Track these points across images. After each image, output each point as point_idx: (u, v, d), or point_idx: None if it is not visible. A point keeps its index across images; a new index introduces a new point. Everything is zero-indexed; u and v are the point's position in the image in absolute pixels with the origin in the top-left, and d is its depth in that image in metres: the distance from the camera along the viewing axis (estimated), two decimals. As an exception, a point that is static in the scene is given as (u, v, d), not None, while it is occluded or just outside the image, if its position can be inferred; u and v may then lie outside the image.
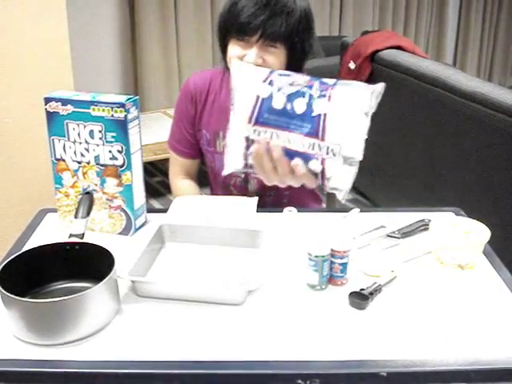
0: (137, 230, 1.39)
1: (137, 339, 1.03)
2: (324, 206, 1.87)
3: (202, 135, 1.64)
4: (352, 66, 3.00)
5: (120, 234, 1.38)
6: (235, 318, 1.09)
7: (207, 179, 1.75)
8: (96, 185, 1.35)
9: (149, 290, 1.14)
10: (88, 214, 1.27)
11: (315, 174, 1.25)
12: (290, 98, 1.23)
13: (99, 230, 1.39)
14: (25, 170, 2.08)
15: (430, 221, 1.38)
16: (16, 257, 1.11)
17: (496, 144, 2.19)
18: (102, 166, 1.33)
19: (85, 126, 1.30)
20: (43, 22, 2.00)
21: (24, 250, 1.17)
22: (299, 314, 1.10)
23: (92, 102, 1.28)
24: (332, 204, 1.99)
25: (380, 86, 1.22)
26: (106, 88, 3.74)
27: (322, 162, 1.22)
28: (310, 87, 1.23)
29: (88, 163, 1.33)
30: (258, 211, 1.43)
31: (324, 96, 1.22)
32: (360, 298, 1.12)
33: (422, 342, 1.03)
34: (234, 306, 1.12)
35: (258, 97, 1.25)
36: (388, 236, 1.36)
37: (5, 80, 1.97)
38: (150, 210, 1.46)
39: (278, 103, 1.23)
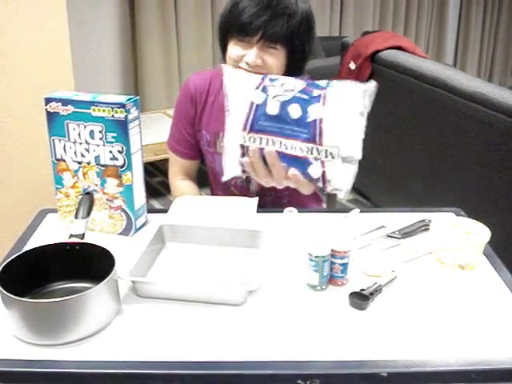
0: (137, 230, 1.39)
1: (137, 339, 1.03)
2: (324, 206, 1.87)
3: (202, 136, 1.64)
4: (352, 66, 3.00)
5: (120, 234, 1.38)
6: (235, 319, 1.09)
7: (207, 179, 1.75)
8: (96, 185, 1.35)
9: (149, 290, 1.14)
10: (88, 214, 1.27)
11: (313, 180, 1.25)
12: (284, 103, 1.23)
13: (99, 231, 1.39)
14: (25, 170, 2.08)
15: (430, 221, 1.38)
16: (16, 257, 1.11)
17: (496, 144, 2.19)
18: (102, 166, 1.33)
19: (85, 127, 1.30)
20: (44, 23, 2.00)
21: (24, 250, 1.17)
22: (299, 315, 1.10)
23: (92, 103, 1.28)
24: (332, 204, 1.99)
25: (372, 85, 1.22)
26: (107, 88, 3.74)
27: (323, 165, 1.22)
28: (303, 91, 1.23)
29: (88, 163, 1.33)
30: (258, 211, 1.43)
31: (318, 100, 1.22)
32: (360, 299, 1.12)
33: (422, 343, 1.03)
34: (235, 307, 1.12)
35: (252, 103, 1.25)
36: (388, 236, 1.36)
37: (5, 80, 1.97)
38: (151, 211, 1.46)
39: (273, 109, 1.23)
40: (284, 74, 1.43)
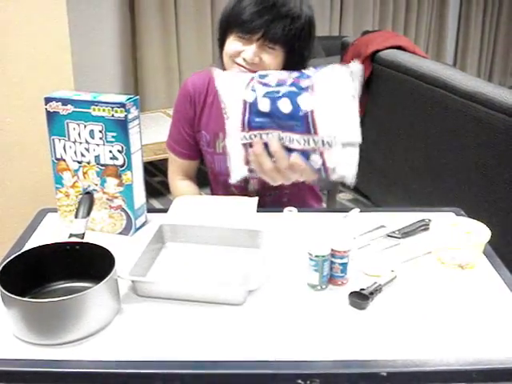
0: (137, 229, 1.39)
1: (137, 339, 1.03)
2: (324, 205, 1.87)
3: (202, 136, 1.64)
4: (352, 66, 3.00)
5: (120, 233, 1.38)
6: (235, 318, 1.09)
7: (207, 179, 1.75)
8: (96, 185, 1.35)
9: (149, 289, 1.14)
10: (88, 213, 1.27)
11: (316, 170, 1.25)
12: (274, 100, 1.23)
13: (99, 230, 1.39)
14: (25, 170, 2.08)
15: (430, 221, 1.38)
16: (16, 257, 1.11)
17: (496, 144, 2.19)
18: (102, 165, 1.33)
19: (85, 126, 1.30)
20: (44, 23, 2.00)
21: (24, 249, 1.17)
22: (299, 314, 1.10)
23: (92, 102, 1.28)
24: (332, 204, 1.99)
25: (357, 66, 1.22)
26: (107, 88, 3.74)
27: (321, 155, 1.23)
28: (293, 84, 1.24)
29: (88, 163, 1.33)
30: (258, 211, 1.43)
31: (306, 89, 1.22)
32: (360, 298, 1.12)
33: (422, 342, 1.03)
34: (235, 306, 1.11)
35: (244, 102, 1.26)
36: (388, 236, 1.36)
37: (6, 80, 1.98)
38: (151, 210, 1.46)
39: (264, 106, 1.24)
40: None
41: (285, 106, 1.22)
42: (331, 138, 1.21)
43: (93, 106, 1.28)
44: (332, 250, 1.16)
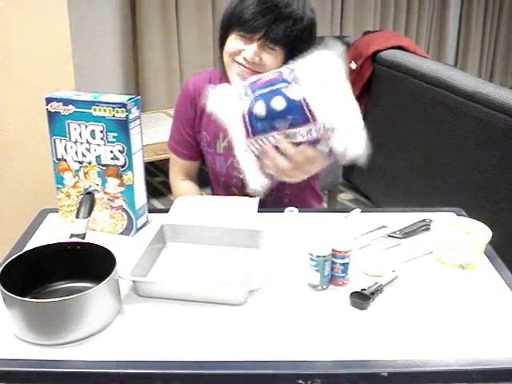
0: (138, 230, 1.39)
1: (138, 339, 1.03)
2: (325, 205, 1.87)
3: (202, 137, 1.64)
4: (353, 66, 3.00)
5: (121, 234, 1.38)
6: (236, 318, 1.09)
7: (208, 179, 1.75)
8: (97, 185, 1.35)
9: (150, 290, 1.14)
10: (89, 214, 1.27)
11: (328, 155, 1.25)
12: (268, 99, 1.23)
13: (100, 230, 1.39)
14: (26, 170, 2.09)
15: (431, 221, 1.38)
16: (17, 257, 1.11)
17: (497, 144, 2.19)
18: (103, 166, 1.33)
19: (86, 126, 1.30)
20: (45, 23, 2.00)
21: (25, 249, 1.17)
22: (300, 314, 1.10)
23: (93, 102, 1.28)
24: (333, 204, 1.99)
25: (337, 44, 1.22)
26: (108, 88, 3.74)
27: (327, 142, 1.22)
28: (280, 81, 1.23)
29: (89, 163, 1.34)
30: (258, 211, 1.43)
31: (293, 81, 1.22)
32: (361, 298, 1.12)
33: (422, 342, 1.03)
34: (235, 306, 1.12)
35: (242, 113, 1.25)
36: (389, 236, 1.36)
37: (7, 80, 1.98)
38: (152, 210, 1.46)
39: (260, 109, 1.23)
40: None
41: (278, 104, 1.22)
42: (331, 122, 1.20)
43: (94, 107, 1.28)
44: (333, 250, 1.16)
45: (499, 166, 2.20)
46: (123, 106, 1.26)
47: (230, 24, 1.45)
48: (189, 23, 3.96)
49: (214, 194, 1.75)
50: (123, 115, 1.27)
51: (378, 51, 2.95)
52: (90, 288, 1.02)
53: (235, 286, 1.18)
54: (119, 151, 1.30)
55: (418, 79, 2.63)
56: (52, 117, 1.32)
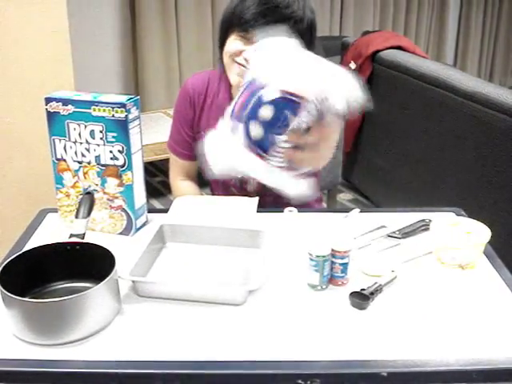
0: (137, 230, 1.39)
1: (137, 339, 1.03)
2: (324, 205, 1.87)
3: (202, 137, 1.64)
4: (353, 66, 3.01)
5: (121, 234, 1.38)
6: (236, 318, 1.09)
7: (207, 179, 1.74)
8: (97, 185, 1.35)
9: (149, 290, 1.14)
10: (89, 214, 1.27)
11: (334, 117, 1.22)
12: (255, 117, 1.19)
13: (100, 230, 1.39)
14: (25, 170, 2.09)
15: (430, 221, 1.38)
16: (17, 257, 1.11)
17: (496, 144, 2.19)
18: (102, 166, 1.33)
19: (85, 126, 1.30)
20: (45, 23, 2.00)
21: (25, 249, 1.17)
22: (300, 314, 1.10)
23: (93, 102, 1.28)
24: (333, 204, 1.99)
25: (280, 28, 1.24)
26: (107, 88, 3.73)
27: (322, 113, 1.19)
28: (253, 93, 1.20)
29: (89, 163, 1.34)
30: (258, 211, 1.43)
31: (260, 84, 1.18)
32: (361, 298, 1.12)
33: (422, 342, 1.03)
34: (235, 306, 1.12)
35: (246, 144, 1.21)
36: (388, 236, 1.36)
37: (6, 80, 1.98)
38: (151, 210, 1.46)
39: (256, 129, 1.20)
40: None
41: (266, 112, 1.18)
42: (319, 90, 1.16)
43: (93, 107, 1.28)
44: (332, 250, 1.16)
45: (498, 166, 2.20)
46: (123, 106, 1.26)
47: (230, 24, 1.45)
48: (188, 23, 3.96)
49: (213, 193, 1.75)
50: (123, 115, 1.27)
51: (378, 51, 2.95)
52: (89, 288, 1.02)
53: (235, 286, 1.18)
54: (119, 151, 1.30)
55: (417, 79, 2.63)
56: (51, 117, 1.32)
